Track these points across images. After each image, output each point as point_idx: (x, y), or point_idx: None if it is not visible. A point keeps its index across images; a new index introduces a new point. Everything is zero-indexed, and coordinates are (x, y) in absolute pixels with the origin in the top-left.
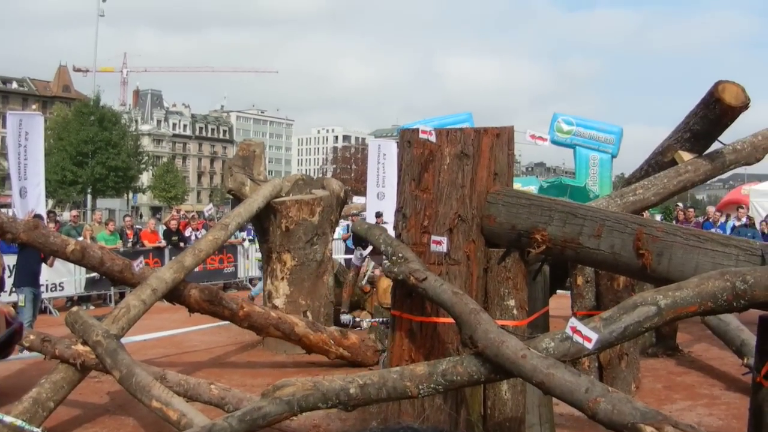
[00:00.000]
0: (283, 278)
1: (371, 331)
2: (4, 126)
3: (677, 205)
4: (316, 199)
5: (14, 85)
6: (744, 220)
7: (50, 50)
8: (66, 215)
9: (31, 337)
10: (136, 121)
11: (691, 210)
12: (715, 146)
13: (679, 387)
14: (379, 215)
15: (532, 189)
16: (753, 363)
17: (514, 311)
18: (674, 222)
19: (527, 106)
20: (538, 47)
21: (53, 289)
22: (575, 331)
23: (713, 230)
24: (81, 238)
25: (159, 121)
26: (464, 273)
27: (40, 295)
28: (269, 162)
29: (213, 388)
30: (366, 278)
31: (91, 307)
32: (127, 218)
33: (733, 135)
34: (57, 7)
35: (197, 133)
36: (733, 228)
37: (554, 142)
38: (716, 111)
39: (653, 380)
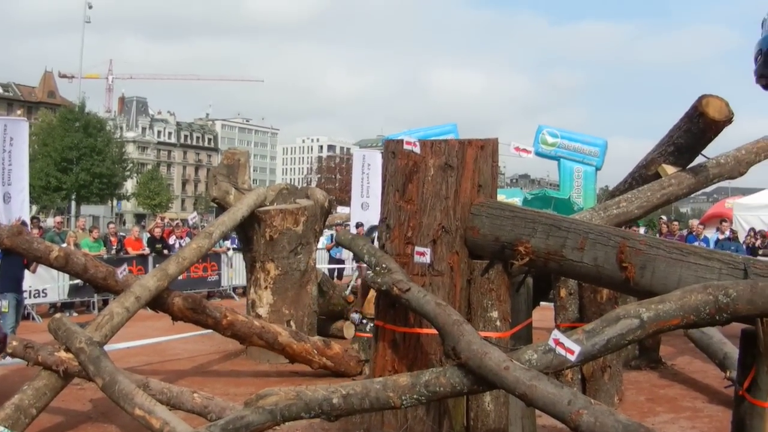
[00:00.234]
0: (266, 287)
1: (354, 342)
2: None
3: (661, 218)
4: (301, 208)
5: None
6: (727, 233)
7: (36, 56)
8: (50, 221)
9: (14, 343)
10: (121, 128)
11: (676, 223)
12: (699, 160)
13: (662, 400)
14: (359, 225)
15: (517, 201)
16: (735, 376)
17: (498, 323)
18: (658, 235)
19: (512, 118)
20: (523, 59)
21: (36, 295)
22: (558, 343)
23: (696, 243)
24: (65, 245)
25: (144, 129)
26: (447, 284)
27: (23, 302)
28: (254, 171)
29: (196, 397)
30: (350, 288)
31: (75, 314)
32: (111, 225)
33: (716, 149)
34: (43, 13)
35: (182, 140)
36: (717, 241)
37: (539, 154)
38: (700, 125)
39: (636, 393)
